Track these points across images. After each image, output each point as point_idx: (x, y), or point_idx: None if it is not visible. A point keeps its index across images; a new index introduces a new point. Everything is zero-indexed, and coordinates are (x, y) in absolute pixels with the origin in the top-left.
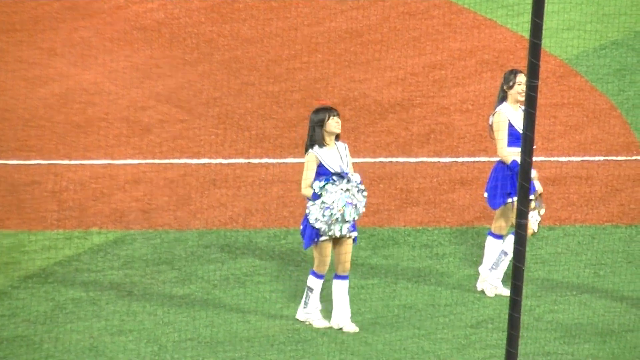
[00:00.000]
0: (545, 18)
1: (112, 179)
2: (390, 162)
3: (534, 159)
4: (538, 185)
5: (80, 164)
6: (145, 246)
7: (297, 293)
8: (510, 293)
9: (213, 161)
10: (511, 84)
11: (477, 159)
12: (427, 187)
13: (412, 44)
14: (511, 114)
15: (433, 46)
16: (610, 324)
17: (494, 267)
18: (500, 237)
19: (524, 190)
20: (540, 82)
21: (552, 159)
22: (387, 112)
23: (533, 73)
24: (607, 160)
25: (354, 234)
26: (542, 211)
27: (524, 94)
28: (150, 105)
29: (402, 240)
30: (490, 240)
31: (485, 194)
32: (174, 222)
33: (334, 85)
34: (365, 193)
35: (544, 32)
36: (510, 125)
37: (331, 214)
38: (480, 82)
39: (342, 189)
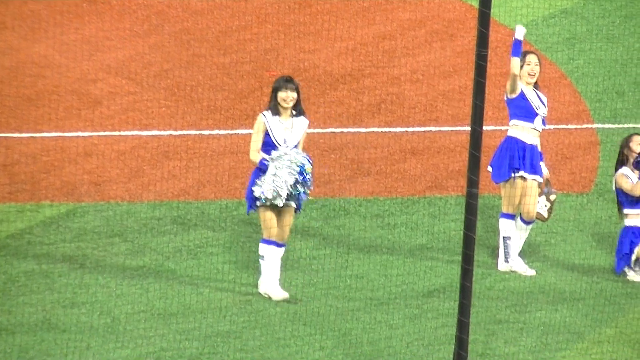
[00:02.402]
0: None
1: (63, 151)
2: (341, 132)
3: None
4: (545, 170)
5: (31, 137)
6: (97, 219)
7: (250, 264)
8: (462, 262)
9: (164, 133)
10: (521, 64)
11: (427, 128)
12: (378, 157)
13: (362, 14)
14: (525, 89)
15: (383, 16)
16: (561, 292)
17: (507, 257)
18: (511, 216)
19: (474, 159)
20: (490, 51)
21: (502, 127)
22: (338, 82)
23: (482, 42)
24: (558, 128)
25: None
26: (553, 197)
27: (533, 73)
28: (101, 77)
29: (354, 211)
30: (502, 222)
31: (490, 168)
32: (125, 194)
33: (284, 56)
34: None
35: (493, 1)
36: (525, 99)
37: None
38: (430, 52)
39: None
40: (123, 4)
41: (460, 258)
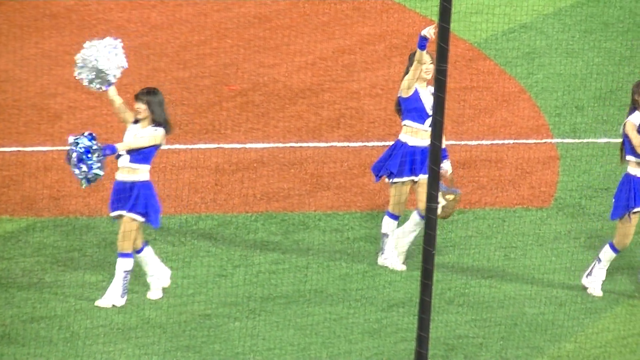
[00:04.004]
0: (454, 2)
1: (22, 166)
2: (301, 147)
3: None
4: (447, 167)
5: None
6: (56, 233)
7: (209, 279)
8: (421, 277)
9: None
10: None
11: (387, 143)
12: (338, 172)
13: (322, 29)
14: (420, 89)
15: (342, 31)
16: (521, 307)
17: (383, 252)
18: (396, 217)
19: (434, 174)
20: (449, 66)
21: (461, 142)
22: (297, 97)
23: (442, 57)
24: (517, 143)
25: (127, 213)
26: (450, 196)
27: (429, 72)
28: (60, 92)
29: (313, 225)
30: (385, 219)
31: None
32: (84, 208)
33: (243, 70)
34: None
35: (452, 15)
36: (418, 99)
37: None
38: (389, 67)
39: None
40: (83, 19)
41: (419, 273)
